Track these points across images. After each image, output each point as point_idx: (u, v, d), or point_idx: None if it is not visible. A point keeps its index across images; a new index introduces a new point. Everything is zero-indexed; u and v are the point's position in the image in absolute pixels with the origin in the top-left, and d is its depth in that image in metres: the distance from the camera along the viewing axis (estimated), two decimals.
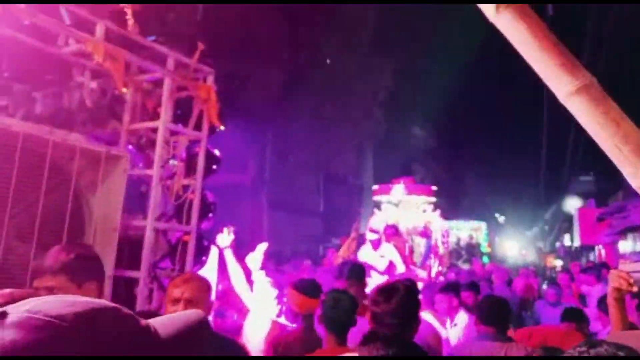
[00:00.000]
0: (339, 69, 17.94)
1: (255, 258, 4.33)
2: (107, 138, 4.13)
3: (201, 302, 2.55)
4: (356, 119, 19.46)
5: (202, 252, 4.42)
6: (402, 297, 2.62)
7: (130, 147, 4.26)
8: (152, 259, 4.14)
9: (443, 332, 4.52)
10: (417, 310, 2.70)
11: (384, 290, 2.69)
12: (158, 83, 4.19)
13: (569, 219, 23.18)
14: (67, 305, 0.70)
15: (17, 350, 0.64)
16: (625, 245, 14.48)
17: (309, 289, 3.64)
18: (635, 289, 2.04)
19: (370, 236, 9.44)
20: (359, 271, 4.33)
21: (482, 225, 17.30)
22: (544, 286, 8.52)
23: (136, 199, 4.34)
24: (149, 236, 3.96)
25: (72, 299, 0.72)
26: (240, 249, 12.70)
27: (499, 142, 32.72)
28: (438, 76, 24.34)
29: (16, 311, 0.68)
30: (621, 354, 1.26)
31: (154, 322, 0.78)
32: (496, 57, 26.81)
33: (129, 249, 4.07)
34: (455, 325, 5.00)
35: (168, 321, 0.80)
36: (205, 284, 2.71)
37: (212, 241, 4.50)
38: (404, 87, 21.48)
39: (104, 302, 0.75)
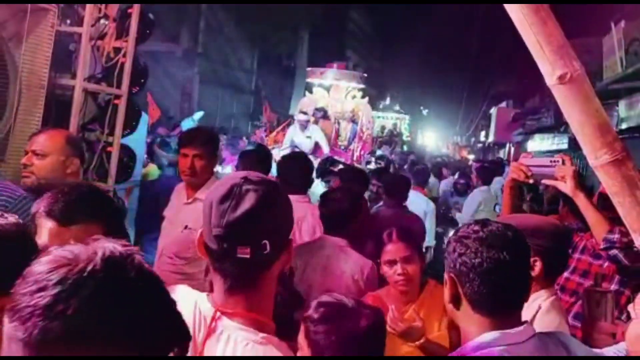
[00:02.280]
0: None
1: (190, 124, 4.42)
2: None
3: (51, 154, 2.52)
4: None
5: (132, 117, 4.44)
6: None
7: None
8: (81, 120, 4.14)
9: None
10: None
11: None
12: None
13: (487, 117, 24.43)
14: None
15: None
16: (532, 145, 15.61)
17: None
18: (530, 181, 2.27)
19: (299, 117, 9.67)
20: None
21: (406, 116, 18.00)
22: (455, 176, 9.23)
23: (63, 58, 4.22)
24: (78, 95, 3.93)
25: None
26: (168, 121, 12.53)
27: (433, 38, 32.80)
28: None
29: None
30: (509, 233, 1.42)
31: None
32: None
33: (57, 108, 4.04)
34: None
35: None
36: (59, 137, 2.63)
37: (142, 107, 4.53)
38: None
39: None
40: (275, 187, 1.27)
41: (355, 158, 10.34)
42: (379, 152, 11.03)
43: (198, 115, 4.55)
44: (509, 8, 1.68)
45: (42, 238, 1.48)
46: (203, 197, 2.84)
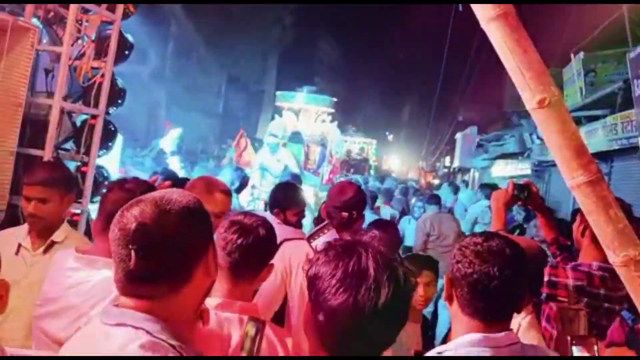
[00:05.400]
0: None
1: (168, 142, 4.40)
2: (10, 7, 3.87)
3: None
4: (265, 25, 19.02)
5: (108, 138, 4.42)
6: None
7: (34, 20, 4.04)
8: (56, 140, 4.09)
9: None
10: None
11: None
12: None
13: (452, 142, 25.00)
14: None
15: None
16: (496, 170, 16.03)
17: None
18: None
19: (269, 140, 9.73)
20: None
21: (374, 141, 18.25)
22: (413, 200, 9.10)
23: (39, 76, 4.18)
24: (55, 115, 3.89)
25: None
26: (135, 142, 12.34)
27: (399, 65, 33.66)
28: None
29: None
30: (508, 251, 1.50)
31: None
32: None
33: (31, 127, 3.98)
34: None
35: None
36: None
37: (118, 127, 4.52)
38: None
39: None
40: None
41: (324, 181, 10.43)
42: (354, 178, 11.13)
43: (175, 132, 4.41)
44: (492, 36, 1.77)
45: None
46: (60, 240, 2.46)
